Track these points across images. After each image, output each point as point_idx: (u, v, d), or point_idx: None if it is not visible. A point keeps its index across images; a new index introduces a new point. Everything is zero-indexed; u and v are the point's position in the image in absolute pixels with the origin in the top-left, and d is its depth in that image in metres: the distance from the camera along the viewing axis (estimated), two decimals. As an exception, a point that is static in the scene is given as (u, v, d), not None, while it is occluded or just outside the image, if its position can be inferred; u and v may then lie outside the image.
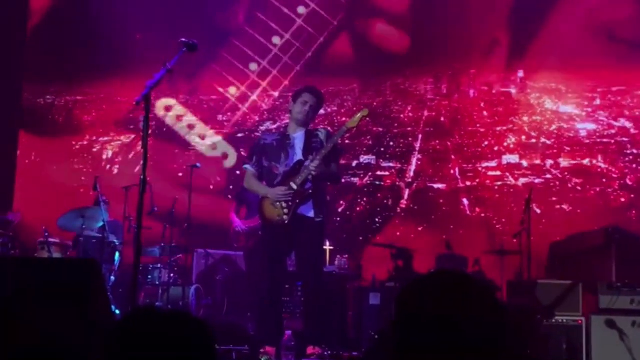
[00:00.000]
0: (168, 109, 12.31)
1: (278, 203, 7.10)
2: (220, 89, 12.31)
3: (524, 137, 11.42)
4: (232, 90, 12.28)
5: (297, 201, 7.08)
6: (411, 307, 1.99)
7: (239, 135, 12.26)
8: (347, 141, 11.18)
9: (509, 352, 1.97)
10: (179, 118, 12.38)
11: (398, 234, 11.37)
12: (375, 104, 11.95)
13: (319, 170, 7.04)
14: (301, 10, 12.04)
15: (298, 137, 7.28)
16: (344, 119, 11.78)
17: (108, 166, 12.43)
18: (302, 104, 7.21)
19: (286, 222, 7.09)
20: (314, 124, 7.77)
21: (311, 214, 7.14)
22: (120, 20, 11.93)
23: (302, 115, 7.22)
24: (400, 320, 2.00)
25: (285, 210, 7.11)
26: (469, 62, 11.70)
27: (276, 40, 12.10)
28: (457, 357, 1.89)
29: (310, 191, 7.10)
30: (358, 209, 11.75)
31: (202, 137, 12.26)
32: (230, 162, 12.15)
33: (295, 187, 7.08)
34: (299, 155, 7.22)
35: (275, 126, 11.75)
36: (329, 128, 8.39)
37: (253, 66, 12.19)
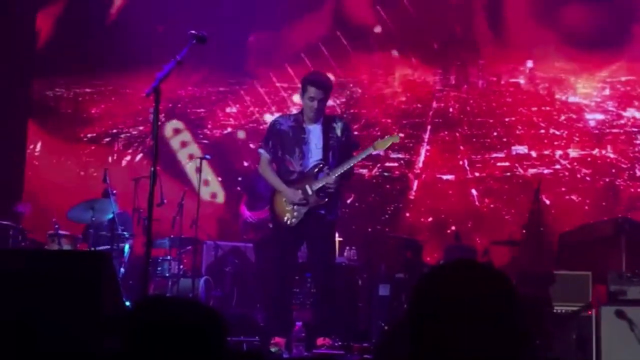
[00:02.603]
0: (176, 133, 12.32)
1: (290, 204, 7.06)
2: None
3: (532, 128, 11.41)
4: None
5: (310, 207, 7.03)
6: (429, 297, 1.99)
7: (249, 126, 12.28)
8: (355, 132, 11.18)
9: (526, 343, 1.98)
10: (183, 144, 12.39)
11: (407, 225, 11.37)
12: (384, 94, 11.95)
13: (336, 185, 7.01)
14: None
15: (314, 131, 7.11)
16: (352, 110, 11.79)
17: (117, 158, 12.45)
18: (310, 100, 6.99)
19: (294, 224, 7.06)
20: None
21: (323, 212, 7.10)
22: (129, 11, 11.94)
23: (312, 113, 7.04)
24: (417, 310, 2.00)
25: (295, 214, 7.04)
26: (478, 53, 11.67)
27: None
28: (474, 347, 1.89)
29: (327, 199, 7.04)
30: (367, 200, 11.75)
31: (190, 157, 12.18)
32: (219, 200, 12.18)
33: (310, 192, 7.01)
34: (314, 154, 7.08)
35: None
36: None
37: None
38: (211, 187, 12.10)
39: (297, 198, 7.00)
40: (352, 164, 7.06)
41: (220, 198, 12.15)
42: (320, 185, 6.98)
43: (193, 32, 5.60)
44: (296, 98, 11.45)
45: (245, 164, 11.95)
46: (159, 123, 5.34)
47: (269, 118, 11.09)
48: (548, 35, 11.30)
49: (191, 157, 12.09)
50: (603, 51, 11.12)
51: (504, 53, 11.60)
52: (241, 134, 12.35)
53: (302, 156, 7.08)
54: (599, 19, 11.09)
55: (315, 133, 7.12)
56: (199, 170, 9.44)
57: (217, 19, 11.41)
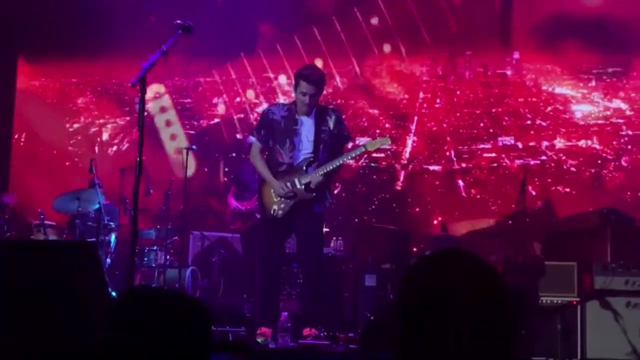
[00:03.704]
0: (157, 96, 12.30)
1: (277, 196, 7.07)
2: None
3: (519, 119, 11.43)
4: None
5: (297, 200, 7.04)
6: (417, 286, 1.99)
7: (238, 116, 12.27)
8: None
9: (513, 332, 1.98)
10: (162, 109, 12.38)
11: (394, 215, 11.39)
12: (371, 85, 11.95)
13: (318, 185, 7.01)
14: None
15: (306, 122, 7.09)
16: (339, 101, 11.78)
17: (104, 148, 12.42)
18: (302, 95, 6.96)
19: (281, 216, 7.07)
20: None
21: (311, 204, 7.10)
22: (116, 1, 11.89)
23: (304, 107, 7.02)
24: (405, 300, 2.00)
25: (282, 206, 7.06)
26: (465, 44, 11.68)
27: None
28: (463, 337, 1.90)
29: (314, 194, 7.05)
30: (354, 190, 11.76)
31: (174, 137, 12.22)
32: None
33: (299, 185, 7.01)
34: (305, 146, 7.07)
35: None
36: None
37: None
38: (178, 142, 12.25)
39: (284, 192, 7.00)
40: (340, 162, 7.07)
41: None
42: (309, 180, 6.98)
43: (179, 22, 5.58)
44: (282, 79, 11.53)
45: (233, 154, 11.94)
46: (145, 114, 5.32)
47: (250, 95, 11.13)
48: (535, 26, 11.32)
49: (168, 123, 12.16)
50: (589, 42, 11.14)
51: (491, 44, 11.61)
52: (221, 108, 12.36)
53: (293, 147, 7.07)
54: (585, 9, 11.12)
55: (307, 125, 7.10)
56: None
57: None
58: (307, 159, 7.05)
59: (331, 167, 6.99)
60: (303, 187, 7.01)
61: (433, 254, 2.10)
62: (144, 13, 11.89)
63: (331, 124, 7.12)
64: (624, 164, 10.95)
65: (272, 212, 7.10)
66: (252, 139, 7.27)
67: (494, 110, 11.57)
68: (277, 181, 7.04)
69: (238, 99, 12.41)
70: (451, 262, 2.00)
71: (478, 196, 11.34)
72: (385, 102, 11.90)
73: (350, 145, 7.93)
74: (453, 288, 1.92)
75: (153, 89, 12.26)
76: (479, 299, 1.92)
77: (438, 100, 11.81)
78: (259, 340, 6.86)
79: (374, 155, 11.61)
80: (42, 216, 9.33)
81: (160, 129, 12.29)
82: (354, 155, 7.29)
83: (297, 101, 7.10)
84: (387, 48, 11.99)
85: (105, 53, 12.12)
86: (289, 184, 7.01)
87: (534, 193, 10.67)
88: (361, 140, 11.65)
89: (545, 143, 11.26)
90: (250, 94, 12.35)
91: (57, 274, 5.05)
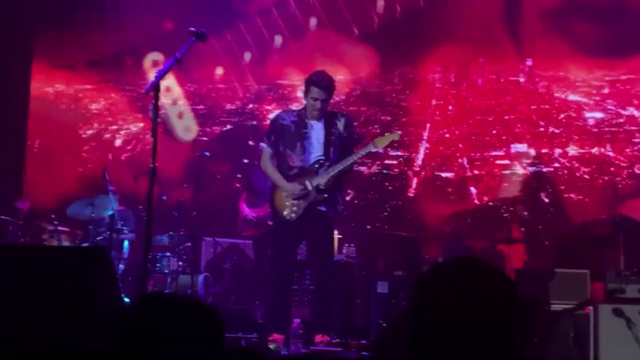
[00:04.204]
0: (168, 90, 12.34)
1: (290, 198, 7.09)
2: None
3: (532, 126, 11.41)
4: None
5: (309, 202, 7.06)
6: (430, 294, 1.99)
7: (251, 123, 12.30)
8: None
9: (525, 341, 1.99)
10: (174, 102, 12.45)
11: (406, 222, 11.38)
12: (383, 92, 11.96)
13: (329, 185, 7.03)
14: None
15: (315, 126, 7.14)
16: (351, 108, 11.79)
17: (117, 154, 12.46)
18: (313, 100, 7.02)
19: (294, 219, 7.09)
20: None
21: (323, 208, 7.13)
22: (131, 7, 11.93)
23: (315, 112, 7.07)
24: (418, 307, 2.01)
25: (295, 209, 7.08)
26: (478, 51, 11.66)
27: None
28: (475, 345, 1.90)
29: (326, 195, 7.07)
30: (366, 197, 11.75)
31: (188, 129, 12.35)
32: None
33: (310, 187, 7.03)
34: (316, 149, 7.10)
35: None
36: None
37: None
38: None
39: (297, 189, 7.02)
40: (351, 162, 7.09)
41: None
42: (320, 181, 7.00)
43: (192, 29, 5.61)
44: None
45: (245, 160, 11.95)
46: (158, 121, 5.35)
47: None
48: (548, 33, 11.30)
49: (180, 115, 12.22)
50: (602, 49, 11.12)
51: (504, 51, 11.59)
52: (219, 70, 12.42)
53: (303, 151, 7.11)
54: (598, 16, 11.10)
55: (317, 128, 7.15)
56: (199, 167, 9.51)
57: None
58: (318, 161, 7.08)
59: (342, 167, 7.03)
60: (315, 188, 7.03)
61: (447, 261, 2.11)
62: (159, 17, 11.94)
63: (341, 127, 7.17)
64: (637, 171, 10.91)
65: (284, 214, 7.12)
66: (263, 145, 7.31)
67: (506, 117, 11.55)
68: (288, 182, 7.08)
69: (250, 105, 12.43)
70: (465, 270, 2.00)
71: (491, 203, 11.31)
72: (398, 109, 11.90)
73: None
74: (466, 295, 1.93)
75: (152, 57, 12.34)
76: (493, 306, 1.93)
77: (450, 107, 11.80)
78: (271, 346, 6.86)
79: (386, 162, 11.63)
80: (55, 222, 9.37)
81: (174, 124, 12.36)
82: (363, 153, 7.29)
83: (307, 106, 7.14)
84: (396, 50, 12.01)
85: (119, 59, 12.18)
86: (300, 187, 7.04)
87: (547, 200, 10.64)
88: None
89: (558, 150, 11.24)
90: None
91: (70, 279, 5.06)
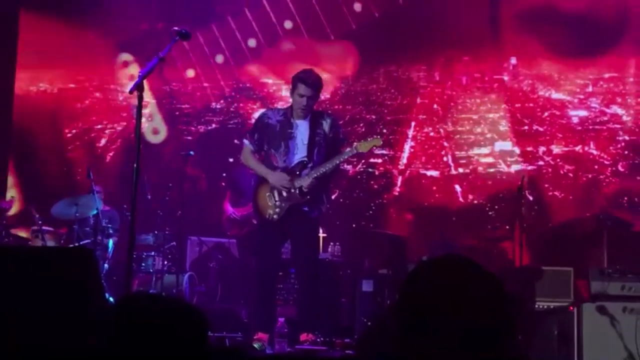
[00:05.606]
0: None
1: (272, 198, 7.07)
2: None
3: (516, 124, 11.44)
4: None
5: (292, 203, 7.06)
6: (418, 292, 2.00)
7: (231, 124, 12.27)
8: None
9: (511, 338, 2.00)
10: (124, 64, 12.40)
11: (391, 221, 11.39)
12: (368, 90, 11.97)
13: (311, 187, 7.02)
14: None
15: (301, 126, 7.12)
16: (336, 107, 11.79)
17: (102, 154, 12.41)
18: (299, 97, 7.02)
19: (276, 220, 7.09)
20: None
21: (306, 209, 7.12)
22: (114, 6, 11.91)
23: (300, 110, 7.07)
24: (405, 305, 2.01)
25: (277, 210, 7.08)
26: (462, 50, 11.68)
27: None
28: (461, 342, 1.91)
29: (308, 197, 7.06)
30: (351, 196, 11.75)
31: (155, 132, 12.25)
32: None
33: (293, 189, 7.04)
34: (300, 150, 7.09)
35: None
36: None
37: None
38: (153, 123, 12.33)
39: (284, 180, 7.01)
40: (333, 164, 7.08)
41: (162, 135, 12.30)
42: (302, 183, 7.00)
43: (176, 28, 5.61)
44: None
45: (230, 160, 11.93)
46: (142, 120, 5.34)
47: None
48: (533, 31, 11.33)
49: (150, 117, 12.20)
50: (586, 48, 11.17)
51: (488, 50, 11.61)
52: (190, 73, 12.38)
53: (287, 151, 7.10)
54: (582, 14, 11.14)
55: (302, 128, 7.14)
56: (186, 165, 9.52)
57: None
58: (301, 163, 7.07)
59: (323, 170, 7.02)
60: (297, 190, 7.02)
61: (432, 259, 2.12)
62: (151, 19, 11.92)
63: (326, 128, 7.16)
64: (620, 169, 10.96)
65: (267, 216, 7.12)
66: (245, 141, 7.32)
67: (491, 115, 11.58)
68: (274, 172, 7.06)
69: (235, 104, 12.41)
70: (450, 268, 2.01)
71: (475, 202, 11.34)
72: (382, 108, 11.90)
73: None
74: (452, 293, 1.94)
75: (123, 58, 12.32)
76: (478, 304, 1.94)
77: (435, 106, 11.82)
78: (256, 345, 6.87)
79: (371, 160, 11.64)
80: (40, 222, 9.34)
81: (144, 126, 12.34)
82: (345, 157, 7.28)
83: (293, 104, 7.14)
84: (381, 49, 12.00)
85: (104, 58, 12.15)
86: (287, 177, 7.01)
87: (531, 198, 10.68)
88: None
89: (542, 148, 11.27)
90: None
91: (53, 279, 5.04)
